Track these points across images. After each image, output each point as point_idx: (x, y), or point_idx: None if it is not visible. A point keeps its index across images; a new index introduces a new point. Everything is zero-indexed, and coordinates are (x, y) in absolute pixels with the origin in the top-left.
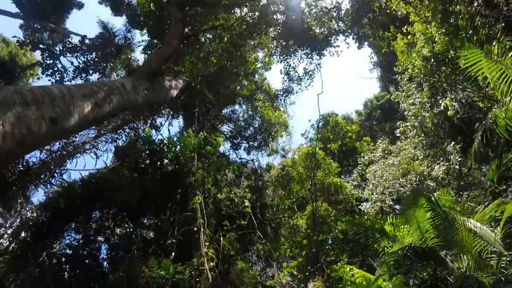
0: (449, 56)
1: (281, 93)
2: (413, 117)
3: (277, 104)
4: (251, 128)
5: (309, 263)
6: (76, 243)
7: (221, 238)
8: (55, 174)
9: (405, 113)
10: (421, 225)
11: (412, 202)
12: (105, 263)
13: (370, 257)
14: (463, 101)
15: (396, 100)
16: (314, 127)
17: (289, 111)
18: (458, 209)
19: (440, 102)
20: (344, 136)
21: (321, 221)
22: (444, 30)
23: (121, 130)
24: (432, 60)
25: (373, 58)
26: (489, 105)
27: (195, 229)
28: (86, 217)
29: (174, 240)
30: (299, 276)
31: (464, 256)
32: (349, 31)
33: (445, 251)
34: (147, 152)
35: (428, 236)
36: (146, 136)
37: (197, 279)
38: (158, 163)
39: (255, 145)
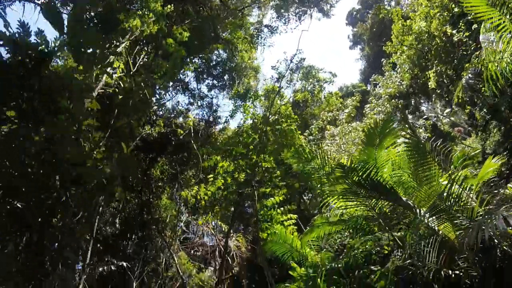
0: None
1: (265, 29)
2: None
3: (256, 42)
4: (219, 68)
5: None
6: None
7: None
8: None
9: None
10: (385, 156)
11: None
12: None
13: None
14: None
15: (374, 82)
16: (287, 61)
17: (264, 56)
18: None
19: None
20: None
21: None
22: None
23: None
24: (426, 35)
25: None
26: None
27: None
28: None
29: None
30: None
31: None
32: None
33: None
34: None
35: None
36: None
37: None
38: None
39: (219, 84)
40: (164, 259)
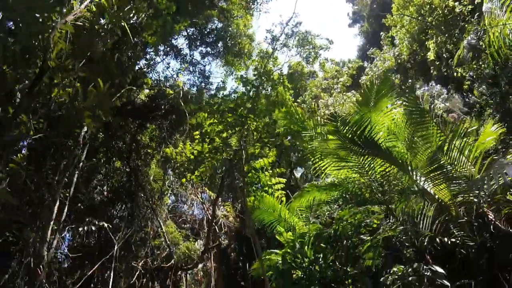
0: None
1: None
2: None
3: (251, 8)
4: (212, 36)
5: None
6: None
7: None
8: None
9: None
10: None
11: (379, 89)
12: None
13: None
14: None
15: (371, 55)
16: (282, 25)
17: (259, 23)
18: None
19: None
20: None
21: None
22: None
23: None
24: (428, 6)
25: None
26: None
27: None
28: None
29: None
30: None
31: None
32: None
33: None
34: None
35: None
36: None
37: None
38: None
39: (213, 52)
40: (151, 228)
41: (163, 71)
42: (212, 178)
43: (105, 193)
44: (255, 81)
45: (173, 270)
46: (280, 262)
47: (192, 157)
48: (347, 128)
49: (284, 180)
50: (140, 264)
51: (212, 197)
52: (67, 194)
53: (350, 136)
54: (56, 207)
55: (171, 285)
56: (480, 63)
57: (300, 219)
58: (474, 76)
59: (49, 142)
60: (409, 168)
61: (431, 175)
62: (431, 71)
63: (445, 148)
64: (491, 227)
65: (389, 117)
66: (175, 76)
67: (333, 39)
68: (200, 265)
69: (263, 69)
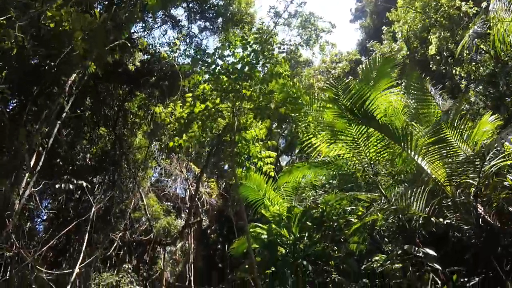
0: None
1: None
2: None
3: None
4: (212, 11)
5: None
6: None
7: None
8: None
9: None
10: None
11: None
12: None
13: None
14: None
15: (370, 48)
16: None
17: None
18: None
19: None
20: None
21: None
22: None
23: None
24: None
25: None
26: None
27: None
28: None
29: None
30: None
31: None
32: None
33: None
34: None
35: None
36: None
37: None
38: None
39: (212, 27)
40: (132, 200)
41: (159, 37)
42: (199, 153)
43: (87, 160)
44: (255, 44)
45: (152, 245)
46: (266, 235)
47: (184, 115)
48: (347, 97)
49: (274, 154)
50: (118, 236)
51: (196, 173)
52: (46, 145)
53: (349, 106)
54: (32, 157)
55: (148, 260)
56: (479, 64)
57: (285, 200)
58: (472, 77)
59: (35, 75)
60: (408, 143)
61: (430, 149)
62: (430, 68)
63: (448, 121)
64: (480, 220)
65: (388, 100)
66: (171, 44)
67: (334, 31)
68: (179, 244)
69: (264, 38)
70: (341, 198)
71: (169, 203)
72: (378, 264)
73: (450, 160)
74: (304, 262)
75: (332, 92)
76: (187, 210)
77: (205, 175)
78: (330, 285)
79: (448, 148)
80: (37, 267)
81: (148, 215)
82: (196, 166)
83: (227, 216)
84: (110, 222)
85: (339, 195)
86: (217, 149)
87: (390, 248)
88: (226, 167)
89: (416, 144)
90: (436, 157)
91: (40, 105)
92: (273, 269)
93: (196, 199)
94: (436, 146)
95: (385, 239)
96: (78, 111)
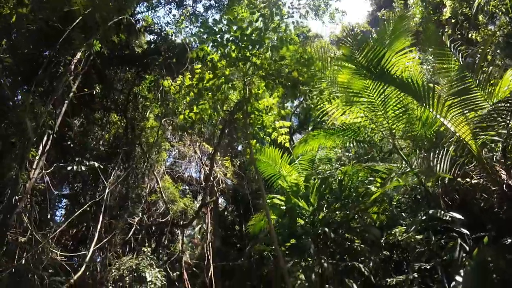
0: None
1: None
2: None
3: None
4: None
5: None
6: None
7: None
8: None
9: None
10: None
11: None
12: None
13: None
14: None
15: (382, 16)
16: None
17: None
18: None
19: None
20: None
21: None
22: None
23: None
24: None
25: None
26: None
27: None
28: None
29: None
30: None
31: None
32: None
33: None
34: None
35: None
36: None
37: None
38: None
39: (217, 5)
40: (148, 184)
41: (163, 16)
42: (212, 133)
43: (100, 146)
44: (263, 9)
45: (169, 227)
46: (284, 205)
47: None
48: (363, 54)
49: (288, 124)
50: (136, 220)
51: (210, 152)
52: (54, 125)
53: (365, 64)
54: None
55: (166, 242)
56: (496, 29)
57: (301, 174)
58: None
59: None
60: (430, 100)
61: (454, 101)
62: (444, 34)
63: (474, 67)
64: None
65: (403, 62)
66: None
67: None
68: (197, 228)
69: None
70: (358, 170)
71: (185, 186)
72: (398, 236)
73: (474, 114)
74: (326, 229)
75: (347, 49)
76: (202, 191)
77: (218, 154)
78: (353, 252)
79: (473, 99)
80: (51, 250)
81: (165, 198)
82: (209, 146)
83: (243, 195)
84: (127, 207)
85: (356, 167)
86: (229, 129)
87: (410, 220)
88: (239, 147)
89: (439, 100)
90: (459, 111)
91: (46, 86)
92: (293, 241)
93: (212, 178)
94: (460, 98)
95: (406, 211)
96: (86, 90)
